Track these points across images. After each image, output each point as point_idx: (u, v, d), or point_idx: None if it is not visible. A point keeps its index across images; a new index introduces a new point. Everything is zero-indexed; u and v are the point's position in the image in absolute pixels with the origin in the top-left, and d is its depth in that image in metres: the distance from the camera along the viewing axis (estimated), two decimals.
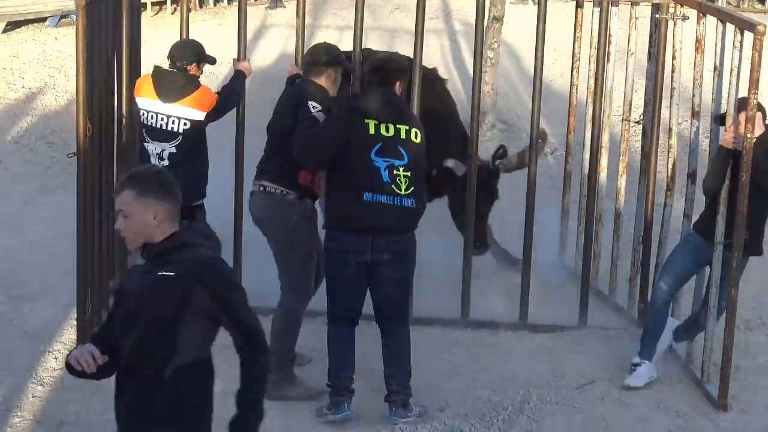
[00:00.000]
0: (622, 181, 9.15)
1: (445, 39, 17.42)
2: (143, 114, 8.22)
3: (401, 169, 7.10)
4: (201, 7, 17.89)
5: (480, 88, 8.67)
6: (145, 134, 8.24)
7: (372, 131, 7.09)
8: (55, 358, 8.09)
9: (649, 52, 8.69)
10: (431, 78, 9.18)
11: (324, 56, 7.73)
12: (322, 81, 7.67)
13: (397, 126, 7.16)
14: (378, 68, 7.33)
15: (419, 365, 7.59)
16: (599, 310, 9.10)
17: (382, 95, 7.20)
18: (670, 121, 8.54)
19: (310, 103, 7.47)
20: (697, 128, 8.14)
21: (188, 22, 8.91)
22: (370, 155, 7.06)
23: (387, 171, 7.07)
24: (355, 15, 8.55)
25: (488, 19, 11.65)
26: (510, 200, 9.67)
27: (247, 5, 8.86)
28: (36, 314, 8.72)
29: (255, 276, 8.08)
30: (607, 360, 8.39)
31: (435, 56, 14.89)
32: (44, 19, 17.63)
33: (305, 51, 8.16)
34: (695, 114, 8.11)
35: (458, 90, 14.61)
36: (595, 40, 8.99)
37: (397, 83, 7.32)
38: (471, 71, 8.67)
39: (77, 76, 7.77)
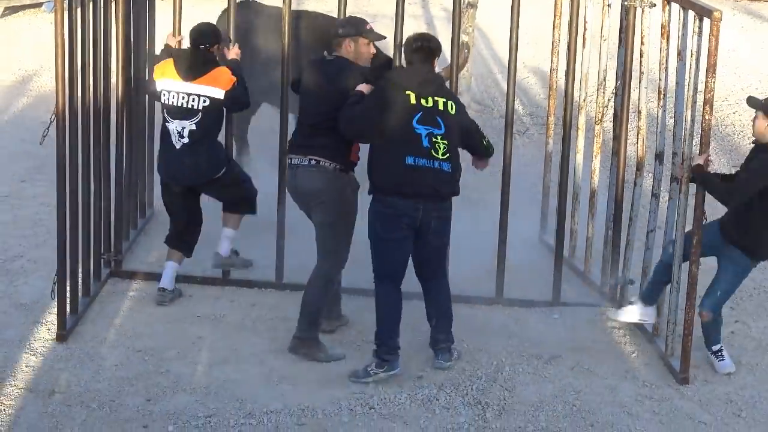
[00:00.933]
0: (597, 161, 9.14)
1: (422, 23, 17.38)
2: (164, 95, 8.37)
3: (439, 137, 7.46)
4: None
5: (456, 71, 8.64)
6: (165, 114, 8.39)
7: (413, 101, 7.44)
8: (48, 329, 8.07)
9: (620, 37, 8.67)
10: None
11: (339, 28, 7.91)
12: (347, 53, 7.84)
13: (435, 98, 7.50)
14: (419, 48, 7.58)
15: None
16: (574, 286, 9.12)
17: (422, 72, 7.53)
18: (639, 104, 8.52)
19: (353, 78, 7.68)
20: (664, 111, 8.12)
21: (181, 9, 8.94)
22: (413, 123, 7.42)
23: (427, 138, 7.43)
24: (339, 2, 8.54)
25: (463, 5, 11.61)
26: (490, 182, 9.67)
27: None
28: (30, 287, 8.71)
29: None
30: (577, 333, 8.41)
31: None
32: (40, 5, 17.54)
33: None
34: (662, 97, 8.10)
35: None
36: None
37: (435, 60, 7.64)
38: (449, 55, 8.63)
39: (56, 59, 7.74)
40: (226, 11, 8.92)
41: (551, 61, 9.62)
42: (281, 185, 8.69)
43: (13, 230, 9.76)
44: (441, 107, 7.51)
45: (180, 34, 8.81)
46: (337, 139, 7.66)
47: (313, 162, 7.74)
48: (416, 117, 7.43)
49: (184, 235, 8.69)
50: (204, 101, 8.30)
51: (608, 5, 8.83)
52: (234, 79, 8.33)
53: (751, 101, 7.63)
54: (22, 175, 11.06)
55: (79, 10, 8.05)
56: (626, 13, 8.52)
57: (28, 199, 10.42)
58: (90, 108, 8.38)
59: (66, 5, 7.77)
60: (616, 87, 8.77)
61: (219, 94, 8.30)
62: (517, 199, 9.07)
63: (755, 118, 7.60)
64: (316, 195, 7.79)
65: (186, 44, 8.59)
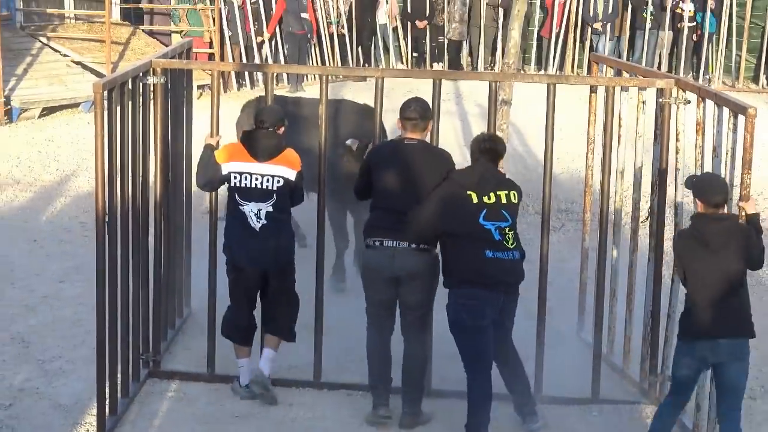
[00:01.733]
0: (634, 257, 9.12)
1: (456, 119, 17.50)
2: (235, 178, 8.39)
3: (506, 228, 7.79)
4: (225, 92, 18.04)
5: None
6: (238, 198, 8.40)
7: (475, 200, 7.75)
8: (87, 431, 8.06)
9: (655, 134, 8.71)
10: None
11: (429, 110, 8.23)
12: (424, 135, 8.20)
13: (497, 193, 7.80)
14: (486, 150, 7.94)
15: None
16: (612, 383, 9.06)
17: (480, 171, 7.85)
18: (675, 200, 8.53)
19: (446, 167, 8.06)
20: None
21: (218, 106, 9.01)
22: (479, 221, 7.72)
23: (497, 231, 7.75)
24: (375, 97, 8.62)
25: (498, 102, 11.71)
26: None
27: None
28: (69, 388, 8.71)
29: None
30: (616, 430, 8.36)
31: (448, 136, 14.91)
32: (77, 105, 17.79)
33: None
34: None
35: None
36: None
37: (500, 160, 8.02)
38: None
39: (95, 159, 7.83)
40: (248, 103, 9.01)
41: (587, 157, 9.67)
42: (319, 281, 8.73)
43: (52, 331, 9.79)
44: (504, 200, 7.80)
45: (218, 134, 8.89)
46: None
47: (410, 246, 7.98)
48: (481, 215, 7.72)
49: (272, 320, 8.60)
50: (278, 181, 8.36)
51: (643, 102, 8.89)
52: (300, 160, 8.49)
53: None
54: (61, 276, 11.14)
55: (118, 109, 8.14)
56: (661, 109, 8.56)
57: (67, 300, 10.47)
58: (129, 208, 8.45)
59: (105, 105, 7.86)
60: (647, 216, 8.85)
61: (292, 174, 8.40)
62: (554, 295, 9.06)
63: None
64: (417, 276, 8.04)
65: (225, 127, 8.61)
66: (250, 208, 8.36)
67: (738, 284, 7.19)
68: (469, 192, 7.73)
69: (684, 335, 7.37)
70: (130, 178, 8.43)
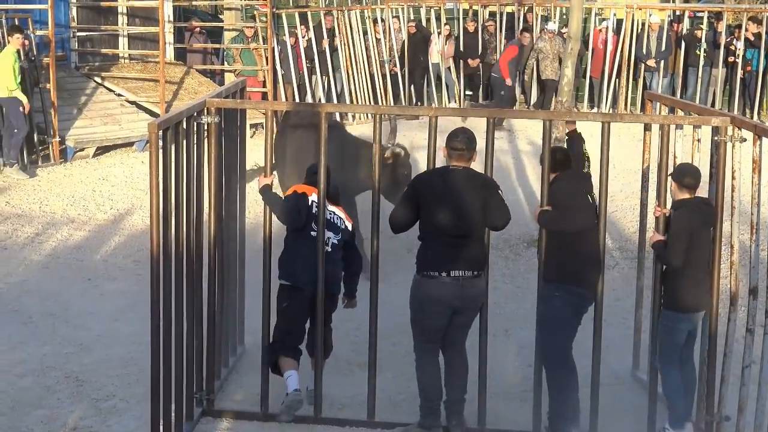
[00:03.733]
0: None
1: (509, 157, 17.49)
2: (315, 207, 8.75)
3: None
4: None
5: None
6: (313, 224, 8.74)
7: (592, 201, 8.46)
8: None
9: (710, 172, 8.66)
10: None
11: (475, 141, 8.34)
12: (468, 165, 8.30)
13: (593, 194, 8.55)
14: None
15: None
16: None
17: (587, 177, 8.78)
18: (731, 238, 8.47)
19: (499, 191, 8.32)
20: (757, 245, 8.07)
21: (272, 146, 9.06)
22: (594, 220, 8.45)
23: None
24: (429, 135, 8.62)
25: (552, 140, 11.69)
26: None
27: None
28: (122, 427, 8.73)
29: None
30: None
31: (501, 172, 14.92)
32: (131, 144, 17.96)
33: None
34: (755, 231, 8.05)
35: (522, 205, 14.66)
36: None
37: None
38: (536, 189, 8.68)
39: (150, 198, 7.90)
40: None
41: (641, 195, 9.61)
42: (373, 317, 8.76)
43: (106, 369, 9.84)
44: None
45: (272, 173, 8.95)
46: (483, 245, 8.36)
47: (476, 273, 8.24)
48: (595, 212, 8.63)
49: (318, 341, 8.78)
50: (342, 223, 8.91)
51: (698, 140, 8.85)
52: None
53: None
54: (115, 314, 11.20)
55: (172, 148, 8.21)
56: (716, 147, 8.51)
57: (121, 338, 10.52)
58: (183, 246, 8.50)
59: (160, 144, 7.93)
60: None
61: (349, 226, 8.99)
62: (608, 334, 9.00)
63: None
64: (478, 299, 8.39)
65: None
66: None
67: None
68: (588, 194, 8.47)
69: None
70: (184, 216, 8.48)
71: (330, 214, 8.81)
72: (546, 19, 22.66)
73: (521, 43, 21.41)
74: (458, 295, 8.18)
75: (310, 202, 8.78)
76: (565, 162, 8.61)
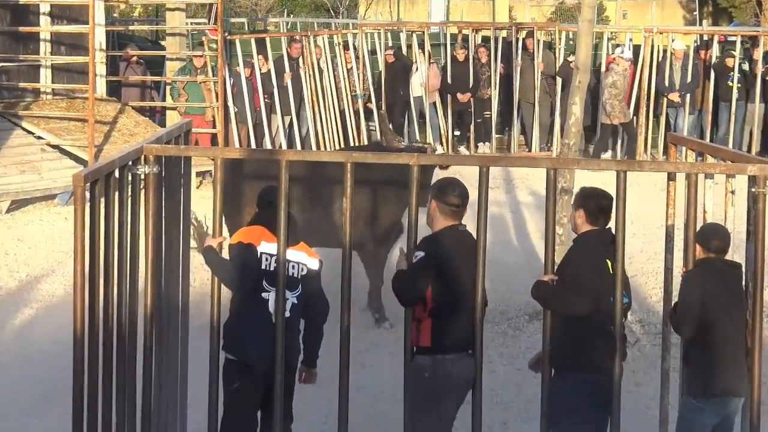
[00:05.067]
0: None
1: (507, 211, 17.49)
2: (266, 260, 8.50)
3: None
4: None
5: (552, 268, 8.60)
6: (265, 283, 8.48)
7: (610, 272, 8.24)
8: None
9: (747, 230, 8.61)
10: None
11: (468, 196, 8.33)
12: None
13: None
14: (603, 208, 8.50)
15: None
16: None
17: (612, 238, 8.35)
18: None
19: None
20: None
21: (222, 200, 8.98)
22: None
23: None
24: (410, 186, 8.57)
25: (557, 191, 11.67)
26: None
27: None
28: None
29: None
30: None
31: (498, 230, 14.89)
32: (53, 197, 17.88)
33: None
34: None
35: (523, 269, 14.61)
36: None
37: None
38: (538, 249, 8.64)
39: (74, 263, 7.78)
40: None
41: (665, 258, 9.53)
42: (343, 406, 8.64)
43: None
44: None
45: (222, 234, 8.85)
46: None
47: (470, 351, 8.21)
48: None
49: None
50: (302, 270, 8.57)
51: (732, 192, 8.82)
52: None
53: None
54: (27, 408, 11.00)
55: (102, 202, 8.11)
56: (755, 201, 8.46)
57: None
58: (113, 322, 8.39)
59: (87, 198, 7.83)
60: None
61: (315, 264, 8.64)
62: (628, 425, 8.94)
63: None
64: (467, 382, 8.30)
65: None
66: (274, 297, 8.36)
67: None
68: (607, 260, 8.27)
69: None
70: (115, 285, 8.37)
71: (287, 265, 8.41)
72: (615, 45, 22.63)
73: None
74: (468, 375, 8.20)
75: (258, 254, 8.53)
76: (607, 215, 8.50)
